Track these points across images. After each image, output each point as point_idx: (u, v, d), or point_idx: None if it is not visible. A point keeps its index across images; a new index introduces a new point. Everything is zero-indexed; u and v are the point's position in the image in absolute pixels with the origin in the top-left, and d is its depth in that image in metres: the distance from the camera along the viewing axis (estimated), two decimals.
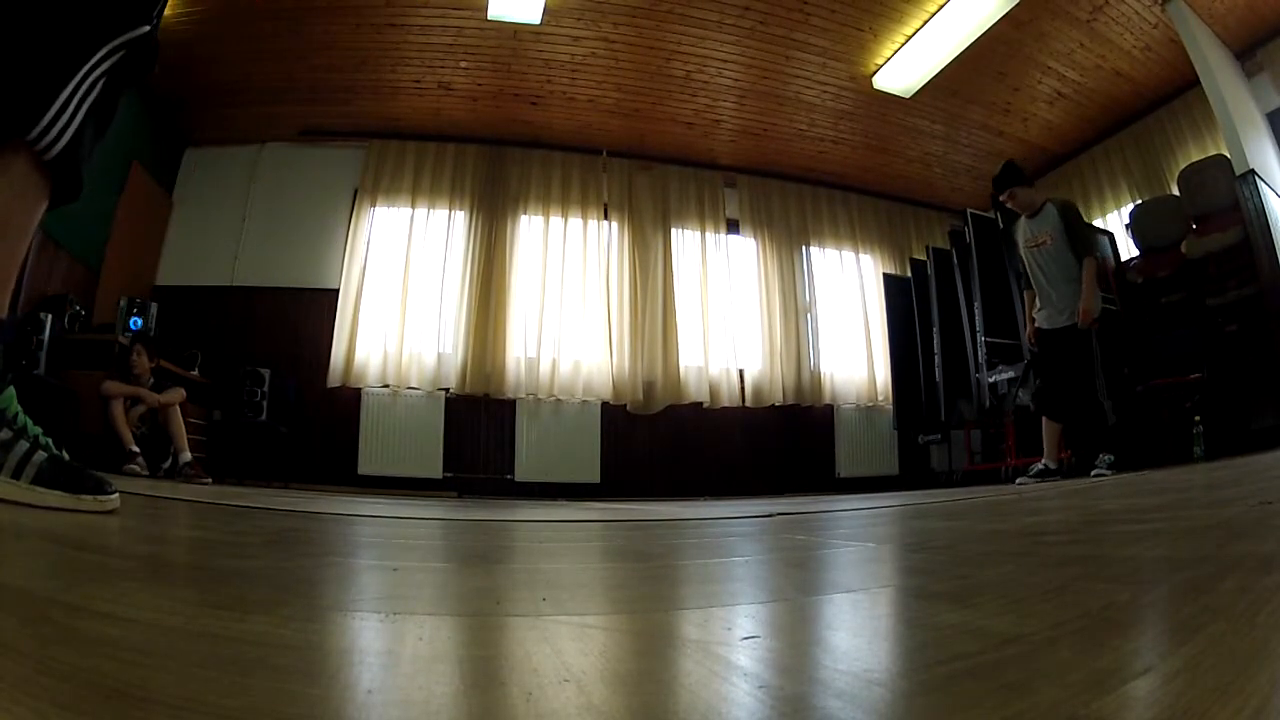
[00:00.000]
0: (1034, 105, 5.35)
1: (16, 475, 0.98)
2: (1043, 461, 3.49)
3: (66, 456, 1.06)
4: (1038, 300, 3.65)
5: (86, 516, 1.04)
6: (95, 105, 0.96)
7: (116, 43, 0.95)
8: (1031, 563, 0.82)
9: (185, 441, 3.94)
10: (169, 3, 1.14)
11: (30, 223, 0.98)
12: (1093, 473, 3.38)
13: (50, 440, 1.06)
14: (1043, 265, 3.59)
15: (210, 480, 3.78)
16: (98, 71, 0.94)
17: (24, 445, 1.00)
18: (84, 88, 0.93)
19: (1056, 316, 3.55)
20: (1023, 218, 3.70)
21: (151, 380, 4.03)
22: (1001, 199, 3.71)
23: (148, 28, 1.01)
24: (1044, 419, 3.60)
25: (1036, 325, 3.64)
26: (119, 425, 3.72)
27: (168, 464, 3.91)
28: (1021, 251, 3.70)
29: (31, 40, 0.89)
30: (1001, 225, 4.63)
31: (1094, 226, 3.65)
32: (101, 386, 3.75)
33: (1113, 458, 3.42)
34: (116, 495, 1.10)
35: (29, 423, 1.04)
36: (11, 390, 1.04)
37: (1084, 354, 3.45)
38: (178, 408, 3.97)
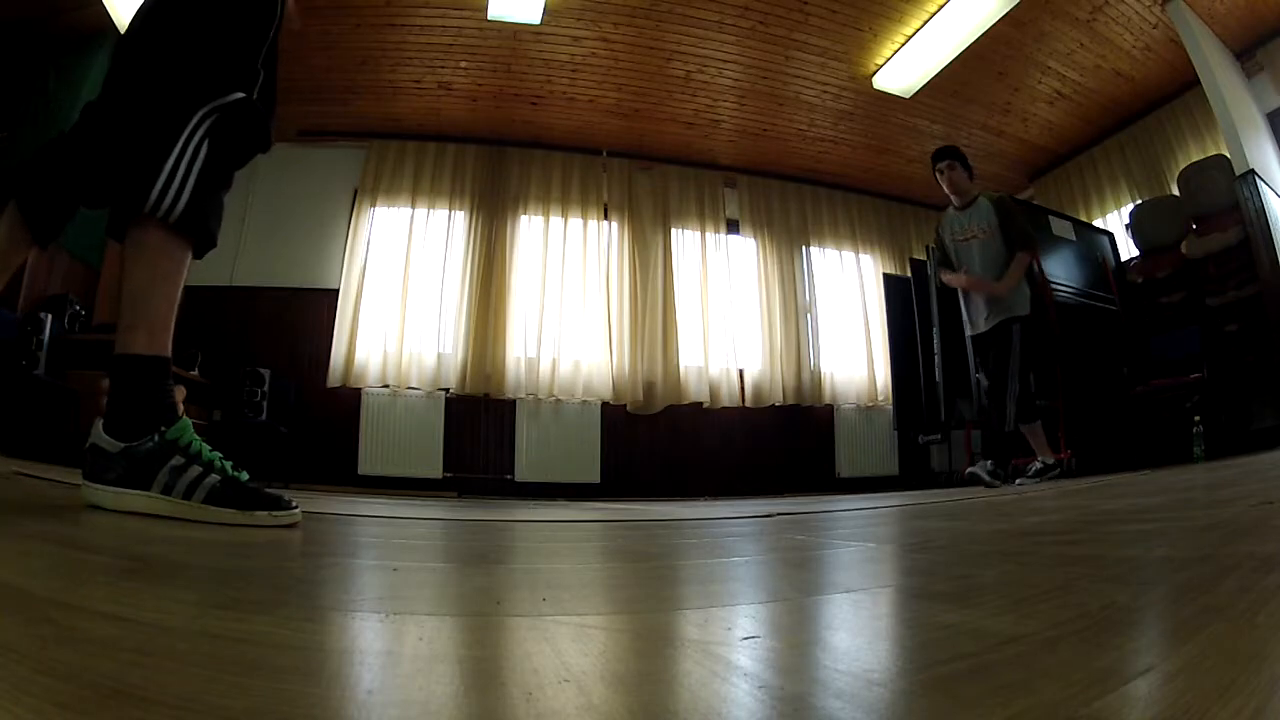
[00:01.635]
0: (1034, 105, 5.35)
1: (187, 496, 1.08)
2: (1039, 460, 3.43)
3: (245, 478, 1.14)
4: (965, 302, 3.55)
5: (92, 516, 1.04)
6: (206, 168, 1.10)
7: (206, 109, 1.08)
8: (1031, 563, 0.82)
9: None
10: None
11: (178, 277, 1.17)
12: (969, 471, 3.39)
13: (229, 464, 1.14)
14: (971, 262, 3.47)
15: None
16: (196, 138, 1.07)
17: (196, 469, 1.10)
18: (187, 155, 1.07)
19: (990, 316, 3.43)
20: (950, 209, 3.60)
21: None
22: (940, 168, 3.57)
23: (241, 95, 1.16)
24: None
25: (970, 333, 3.55)
26: None
27: None
28: (947, 244, 3.60)
29: (129, 126, 1.04)
30: None
31: (1029, 224, 3.55)
32: (100, 385, 3.74)
33: (991, 464, 3.34)
34: (298, 509, 1.16)
35: (205, 449, 1.13)
36: (186, 421, 1.15)
37: (1007, 354, 3.36)
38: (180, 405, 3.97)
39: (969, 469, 3.43)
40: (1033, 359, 3.39)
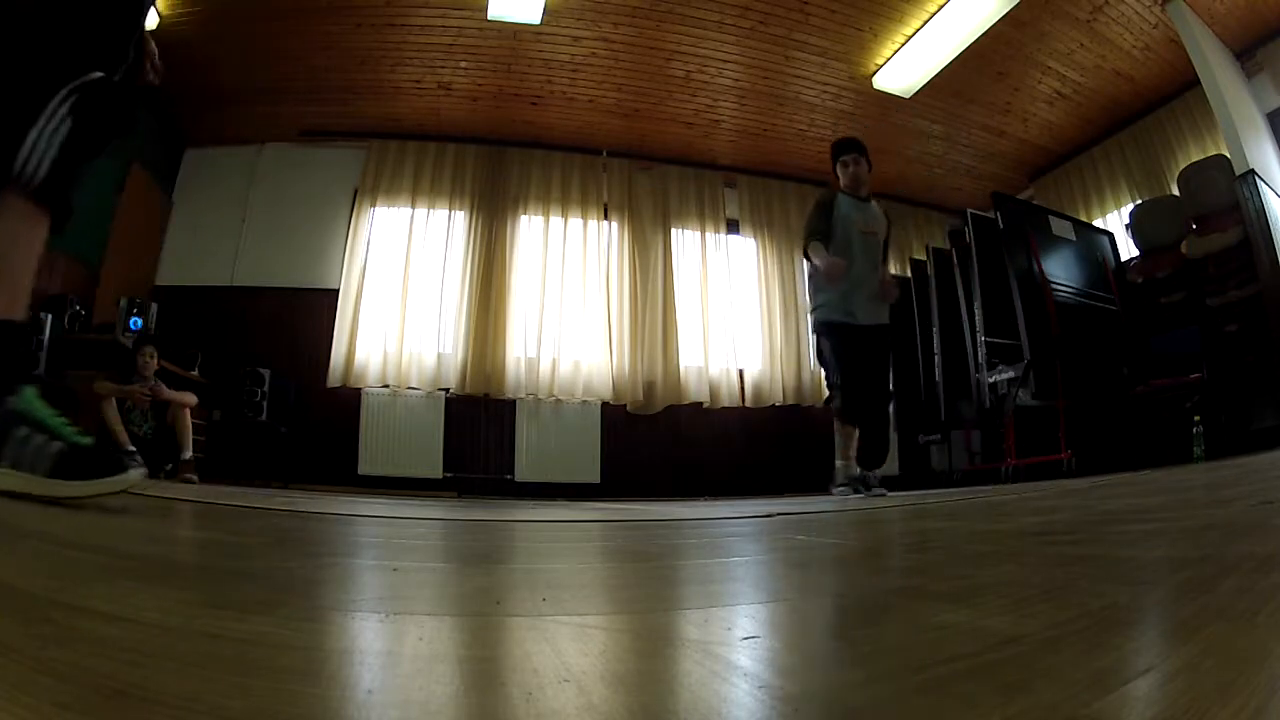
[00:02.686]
0: (1034, 105, 5.35)
1: (34, 469, 1.08)
2: (844, 469, 3.28)
3: (90, 442, 1.14)
4: (848, 289, 3.29)
5: (91, 516, 1.04)
6: (69, 142, 1.15)
7: (70, 87, 1.14)
8: (1031, 563, 0.82)
9: (189, 442, 3.94)
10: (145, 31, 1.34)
11: (36, 245, 1.22)
12: (836, 490, 3.19)
13: (74, 429, 1.14)
14: (868, 254, 3.38)
15: (196, 479, 3.78)
16: (60, 113, 1.13)
17: (41, 438, 1.10)
18: (49, 128, 1.12)
19: (876, 312, 3.34)
20: (846, 195, 3.45)
21: (153, 382, 4.03)
22: (846, 160, 3.44)
23: (101, 74, 1.20)
24: (841, 423, 3.32)
25: (848, 320, 3.27)
26: (112, 424, 3.71)
27: (170, 467, 3.91)
28: (846, 224, 3.38)
29: None
30: (1001, 225, 4.63)
31: None
32: (94, 386, 3.74)
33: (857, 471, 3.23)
34: (134, 473, 1.16)
35: (49, 415, 1.13)
36: (30, 389, 1.15)
37: (886, 356, 3.34)
38: (187, 411, 3.97)
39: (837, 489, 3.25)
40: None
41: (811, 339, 6.15)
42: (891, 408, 3.38)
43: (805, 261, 3.56)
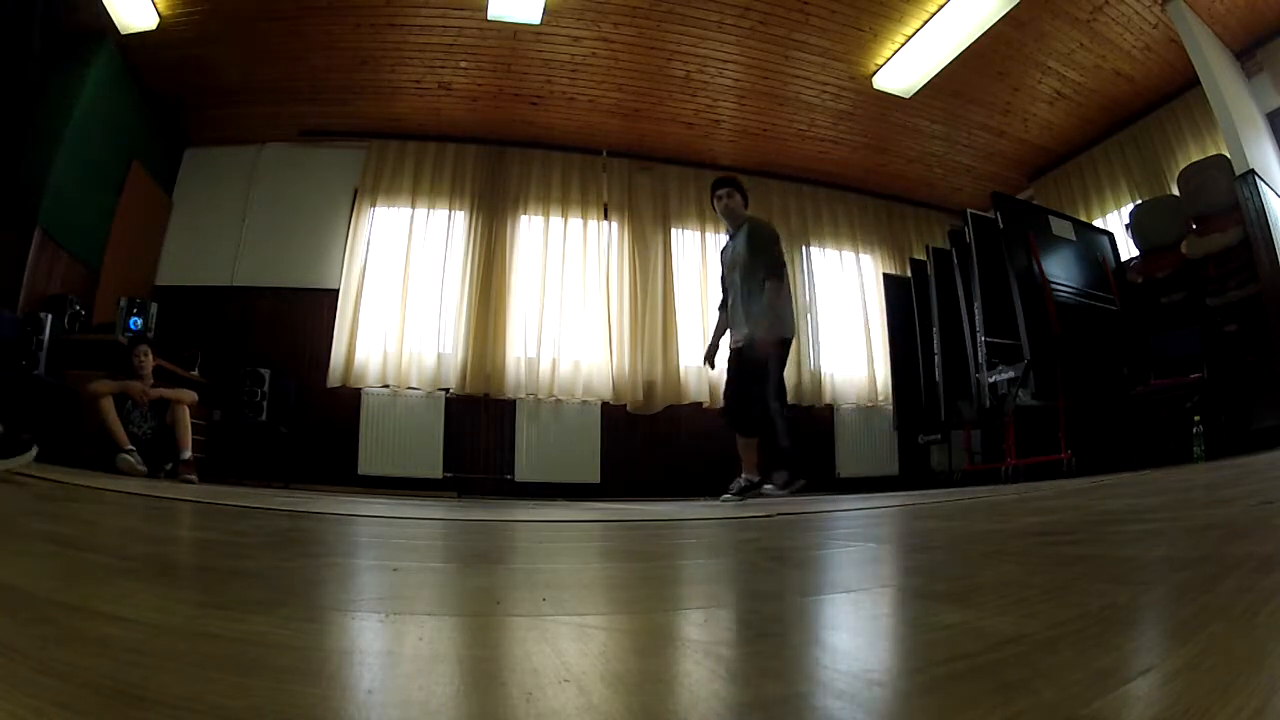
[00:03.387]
0: (1034, 105, 5.35)
1: None
2: (744, 476, 3.43)
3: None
4: (730, 320, 3.53)
5: (92, 517, 1.04)
6: None
7: None
8: (1031, 563, 0.82)
9: (188, 441, 3.93)
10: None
11: None
12: (765, 487, 3.30)
13: None
14: (733, 288, 3.50)
15: (195, 479, 3.77)
16: None
17: None
18: None
19: (741, 334, 3.45)
20: (728, 238, 3.60)
21: (152, 381, 4.03)
22: (719, 194, 3.51)
23: None
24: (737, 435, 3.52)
25: (732, 345, 3.51)
26: (110, 422, 3.70)
27: (170, 466, 3.90)
28: (724, 272, 3.59)
29: None
30: (1001, 225, 4.63)
31: (779, 250, 3.51)
32: (90, 385, 3.72)
33: (787, 475, 3.34)
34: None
35: None
36: None
37: (760, 371, 3.34)
38: (186, 409, 3.96)
39: (765, 486, 3.36)
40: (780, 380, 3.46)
41: (811, 339, 6.17)
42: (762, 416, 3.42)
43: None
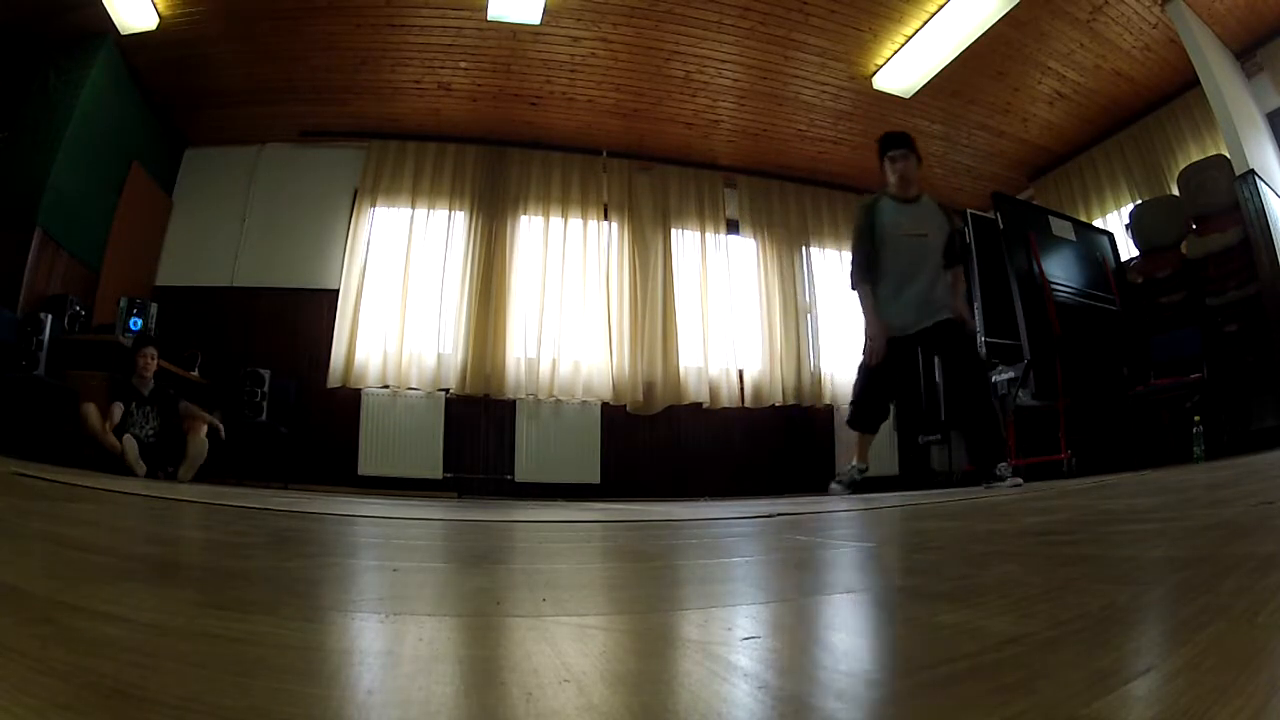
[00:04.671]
0: (1034, 105, 5.35)
1: None
2: (856, 464, 3.26)
3: None
4: (888, 295, 3.17)
5: (92, 517, 1.04)
6: None
7: None
8: (1031, 563, 0.82)
9: (194, 464, 3.93)
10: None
11: None
12: (1006, 484, 2.92)
13: None
14: (915, 259, 3.16)
15: (186, 478, 3.80)
16: None
17: None
18: None
19: (925, 314, 3.13)
20: (889, 199, 3.24)
21: (153, 384, 4.03)
22: (893, 155, 3.21)
23: None
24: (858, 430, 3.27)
25: (891, 333, 3.14)
26: (101, 436, 3.67)
27: (171, 470, 3.91)
28: (887, 234, 3.18)
29: None
30: (1001, 225, 4.63)
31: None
32: (81, 407, 3.69)
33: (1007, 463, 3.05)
34: None
35: None
36: None
37: (974, 354, 3.16)
38: (203, 431, 3.99)
39: (1002, 483, 2.95)
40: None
41: (811, 339, 6.16)
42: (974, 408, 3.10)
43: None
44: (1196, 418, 3.79)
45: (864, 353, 3.22)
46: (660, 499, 4.41)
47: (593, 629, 0.47)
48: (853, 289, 3.28)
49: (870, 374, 3.21)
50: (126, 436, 3.70)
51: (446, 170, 5.73)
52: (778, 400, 5.86)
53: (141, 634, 0.42)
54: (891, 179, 3.25)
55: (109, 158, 4.70)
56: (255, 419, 4.72)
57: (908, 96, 5.23)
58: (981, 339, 4.64)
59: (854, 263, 3.26)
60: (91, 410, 3.68)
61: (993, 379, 4.56)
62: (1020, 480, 2.93)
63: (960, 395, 3.24)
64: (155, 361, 4.02)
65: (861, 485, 3.29)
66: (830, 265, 6.44)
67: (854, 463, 3.32)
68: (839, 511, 2.01)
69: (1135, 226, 4.91)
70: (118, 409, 3.74)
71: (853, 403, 3.33)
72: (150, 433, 3.90)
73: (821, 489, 3.56)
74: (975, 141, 5.82)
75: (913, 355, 3.28)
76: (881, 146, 3.30)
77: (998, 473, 2.96)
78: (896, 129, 3.45)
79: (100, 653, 0.36)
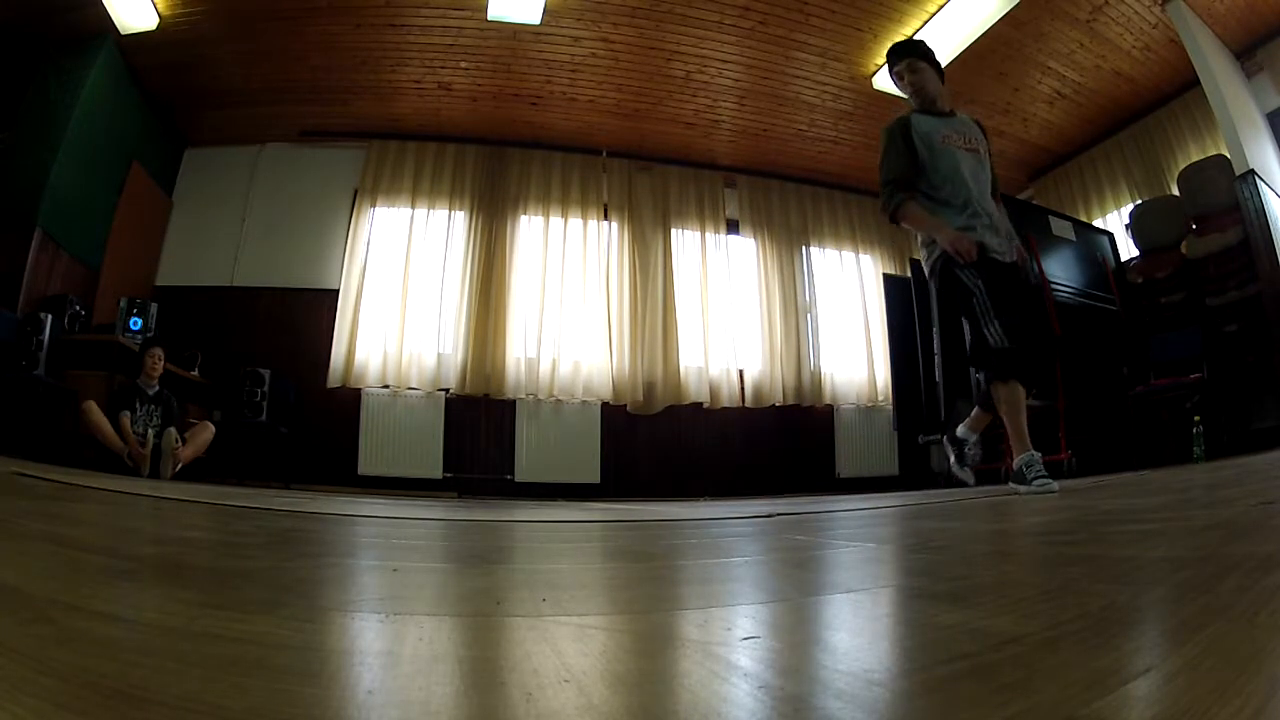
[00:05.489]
0: (1034, 105, 5.35)
1: None
2: (1028, 455, 2.33)
3: None
4: (962, 217, 2.43)
5: (92, 517, 1.04)
6: None
7: None
8: (1031, 563, 0.82)
9: (189, 455, 4.00)
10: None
11: None
12: (1033, 486, 2.24)
13: None
14: (976, 175, 2.50)
15: (177, 468, 3.83)
16: None
17: None
18: None
19: (1004, 246, 2.50)
20: (915, 113, 2.54)
21: (157, 386, 4.06)
22: (898, 71, 2.57)
23: None
24: (1000, 387, 2.39)
25: (981, 248, 2.39)
26: (106, 437, 3.70)
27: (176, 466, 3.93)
28: (936, 145, 2.45)
29: None
30: None
31: None
32: (84, 406, 3.71)
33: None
34: None
35: None
36: None
37: (1036, 300, 2.52)
38: (206, 438, 4.09)
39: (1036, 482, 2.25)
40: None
41: (811, 339, 6.15)
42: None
43: (904, 223, 2.53)
44: (1196, 418, 3.79)
45: (952, 250, 2.36)
46: (660, 499, 4.41)
47: (593, 629, 0.47)
48: (892, 217, 2.50)
49: (999, 300, 2.35)
50: (148, 436, 3.78)
51: (446, 170, 5.73)
52: (778, 400, 5.86)
53: (141, 634, 0.42)
54: (913, 98, 2.57)
55: (109, 158, 4.70)
56: (255, 419, 4.72)
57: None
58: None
59: (890, 182, 2.47)
60: (93, 408, 3.69)
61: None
62: (1051, 482, 2.26)
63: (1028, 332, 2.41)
64: (162, 363, 4.08)
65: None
66: (830, 265, 6.44)
67: (963, 432, 2.70)
68: (839, 511, 2.01)
69: (1135, 226, 4.91)
70: (125, 419, 3.78)
71: (994, 339, 2.36)
72: (153, 431, 3.92)
73: (822, 489, 3.51)
74: None
75: (1013, 279, 2.44)
76: (890, 59, 2.63)
77: (1023, 470, 2.31)
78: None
79: (100, 653, 0.36)
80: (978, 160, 2.52)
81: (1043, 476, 2.27)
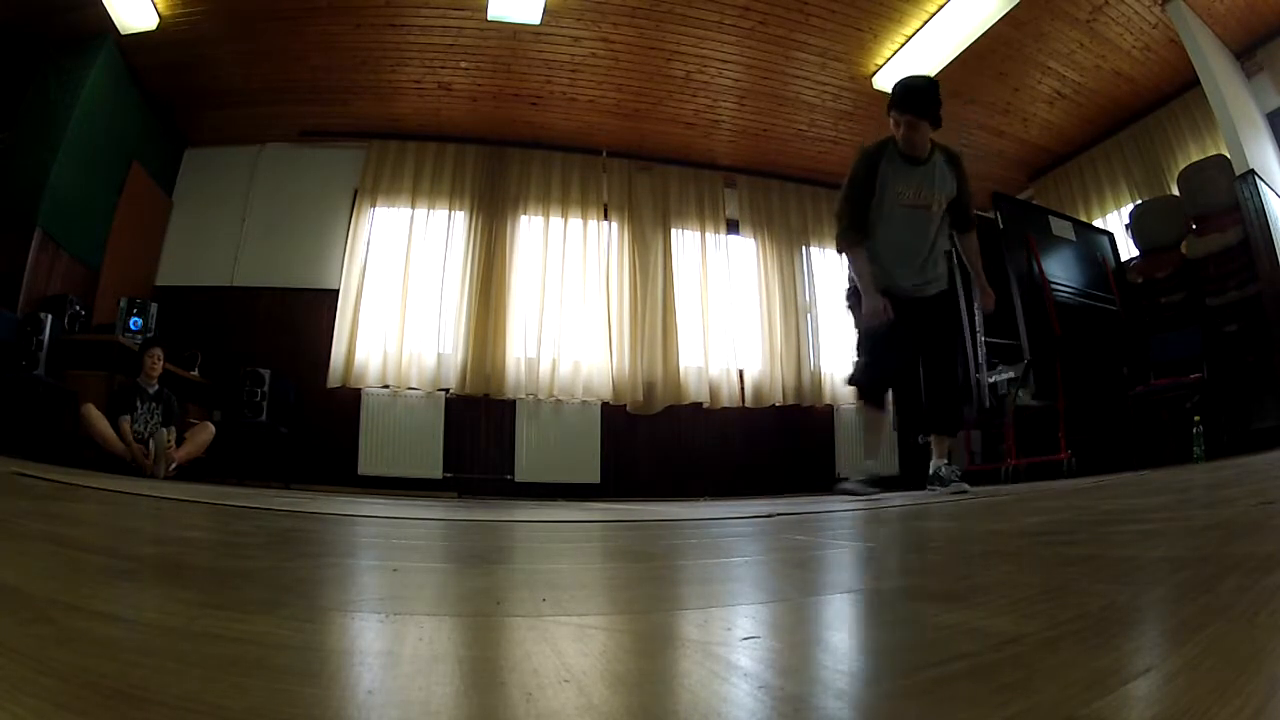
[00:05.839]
0: (1034, 105, 5.35)
1: None
2: (942, 463, 2.85)
3: None
4: (890, 263, 2.81)
5: (92, 517, 1.04)
6: None
7: None
8: (1031, 563, 0.82)
9: (185, 454, 4.02)
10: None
11: None
12: (949, 488, 2.67)
13: None
14: (918, 228, 2.81)
15: (172, 468, 3.85)
16: None
17: None
18: None
19: (933, 283, 2.85)
20: (896, 154, 2.80)
21: (156, 386, 4.06)
22: (902, 121, 2.76)
23: None
24: (863, 405, 2.94)
25: (895, 292, 2.78)
26: (108, 440, 3.70)
27: (172, 467, 3.93)
28: (885, 201, 2.78)
29: None
30: (1001, 225, 4.63)
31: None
32: (82, 410, 3.72)
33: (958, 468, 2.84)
34: None
35: None
36: None
37: (957, 334, 2.90)
38: (206, 439, 4.12)
39: (946, 486, 2.76)
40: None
41: (811, 339, 6.15)
42: (956, 385, 2.86)
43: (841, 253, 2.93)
44: (1196, 418, 3.79)
45: (864, 315, 2.80)
46: (660, 499, 4.41)
47: (593, 629, 0.47)
48: (840, 250, 2.92)
49: (875, 335, 2.82)
50: (148, 443, 3.79)
51: (446, 170, 5.73)
52: (778, 400, 5.86)
53: (141, 634, 0.42)
54: (898, 137, 2.82)
55: (109, 158, 4.70)
56: (255, 419, 4.72)
57: None
58: (982, 339, 4.64)
59: (846, 216, 2.82)
60: (92, 411, 3.69)
61: (992, 379, 4.56)
62: (966, 487, 2.66)
63: (942, 371, 2.88)
64: (162, 363, 4.08)
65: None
66: (830, 265, 6.44)
67: (867, 460, 3.08)
68: (839, 511, 2.01)
69: (1135, 226, 4.91)
70: (126, 423, 3.78)
71: (858, 365, 2.92)
72: (154, 429, 3.93)
73: (821, 489, 3.51)
74: (975, 141, 5.81)
75: (917, 318, 2.83)
76: (894, 101, 2.81)
77: (939, 473, 2.70)
78: (916, 84, 2.96)
79: (100, 653, 0.36)
80: (926, 217, 2.83)
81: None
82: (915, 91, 2.82)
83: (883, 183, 2.79)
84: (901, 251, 2.82)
